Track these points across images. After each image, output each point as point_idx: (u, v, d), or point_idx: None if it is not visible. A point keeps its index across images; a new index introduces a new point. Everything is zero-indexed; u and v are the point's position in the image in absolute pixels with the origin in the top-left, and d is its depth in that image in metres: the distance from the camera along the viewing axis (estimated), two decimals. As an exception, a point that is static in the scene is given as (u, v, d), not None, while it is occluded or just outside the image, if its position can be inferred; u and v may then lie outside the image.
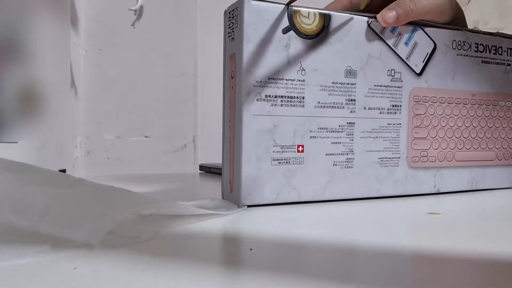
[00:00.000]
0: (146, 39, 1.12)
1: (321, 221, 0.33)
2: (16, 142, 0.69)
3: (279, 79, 0.37)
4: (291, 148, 0.38)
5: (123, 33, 1.11)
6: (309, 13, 0.38)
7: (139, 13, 1.11)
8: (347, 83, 0.39)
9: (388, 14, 0.40)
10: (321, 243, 0.27)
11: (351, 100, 0.40)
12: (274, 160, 0.37)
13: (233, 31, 0.37)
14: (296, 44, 0.37)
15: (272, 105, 0.37)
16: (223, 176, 0.39)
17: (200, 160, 1.15)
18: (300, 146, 0.38)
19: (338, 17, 0.39)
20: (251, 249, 0.25)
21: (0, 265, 0.21)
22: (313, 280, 0.20)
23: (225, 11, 0.38)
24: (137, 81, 1.12)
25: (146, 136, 1.14)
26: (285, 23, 0.37)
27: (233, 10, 0.37)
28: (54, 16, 0.88)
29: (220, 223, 0.32)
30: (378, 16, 0.40)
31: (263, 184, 0.37)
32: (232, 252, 0.25)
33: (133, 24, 1.12)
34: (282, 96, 0.37)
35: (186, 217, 0.32)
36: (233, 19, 0.37)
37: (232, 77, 0.37)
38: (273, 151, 0.37)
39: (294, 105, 0.37)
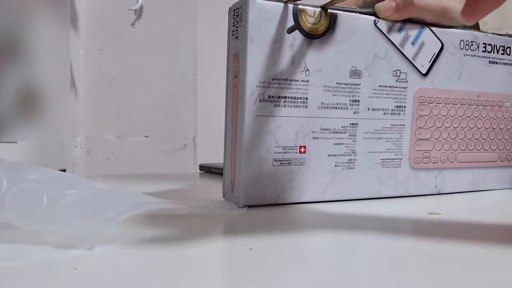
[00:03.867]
0: (146, 39, 1.12)
1: (322, 221, 0.33)
2: (16, 142, 0.69)
3: (283, 79, 0.36)
4: (293, 149, 0.37)
5: (123, 33, 1.11)
6: (314, 12, 0.37)
7: (139, 13, 1.11)
8: (351, 84, 0.39)
9: (386, 5, 0.40)
10: (321, 243, 0.27)
11: (355, 101, 0.39)
12: (275, 161, 0.37)
13: (237, 29, 0.36)
14: (301, 44, 0.37)
15: (275, 106, 0.36)
16: (225, 175, 0.39)
17: (200, 160, 1.15)
18: (302, 147, 0.38)
19: (344, 16, 0.38)
20: (251, 249, 0.25)
21: (0, 265, 0.21)
22: (313, 280, 0.20)
23: (230, 9, 0.38)
24: (137, 81, 1.12)
25: (146, 136, 1.14)
26: (290, 22, 0.36)
27: (238, 8, 0.36)
28: (54, 16, 0.87)
29: (220, 223, 0.32)
30: (376, 6, 0.40)
31: (264, 185, 0.37)
32: (232, 252, 0.25)
33: (132, 24, 1.12)
34: (285, 97, 0.37)
35: (186, 217, 0.32)
36: (238, 18, 0.36)
37: (235, 77, 0.37)
38: (275, 152, 0.37)
39: (297, 106, 0.37)
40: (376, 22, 0.40)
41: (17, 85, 0.71)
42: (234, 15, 0.37)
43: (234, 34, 0.37)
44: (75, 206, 0.26)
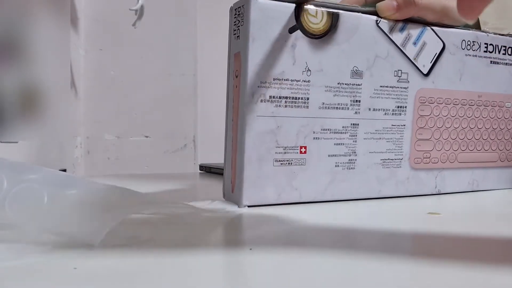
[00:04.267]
0: (146, 39, 1.12)
1: (322, 221, 0.33)
2: (16, 142, 0.69)
3: (284, 79, 0.36)
4: (293, 149, 0.37)
5: (123, 33, 1.11)
6: (316, 12, 0.37)
7: (139, 13, 1.11)
8: (352, 84, 0.39)
9: (387, 4, 0.40)
10: (321, 243, 0.26)
11: (356, 101, 0.39)
12: (276, 161, 0.37)
13: (238, 29, 0.36)
14: (303, 44, 0.37)
15: (276, 106, 0.36)
16: (225, 175, 0.39)
17: (200, 160, 1.15)
18: (303, 147, 0.38)
19: (346, 16, 0.38)
20: (251, 249, 0.25)
21: (0, 265, 0.21)
22: (313, 280, 0.20)
23: (231, 8, 0.38)
24: (137, 81, 1.12)
25: (146, 136, 1.14)
26: (292, 22, 0.36)
27: (239, 7, 0.36)
28: (54, 16, 0.87)
29: (220, 223, 0.32)
30: (377, 5, 0.40)
31: (265, 185, 0.37)
32: (232, 252, 0.25)
33: (133, 24, 1.12)
34: (286, 97, 0.37)
35: (186, 218, 0.32)
36: (239, 17, 0.36)
37: (236, 76, 0.37)
38: (276, 152, 0.37)
39: (298, 106, 0.37)
40: (378, 22, 0.40)
41: (17, 85, 0.71)
42: (235, 14, 0.37)
43: (235, 34, 0.37)
44: (75, 206, 0.26)
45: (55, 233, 0.25)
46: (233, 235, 0.29)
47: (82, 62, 1.10)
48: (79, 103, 1.09)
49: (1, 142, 0.65)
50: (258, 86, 0.36)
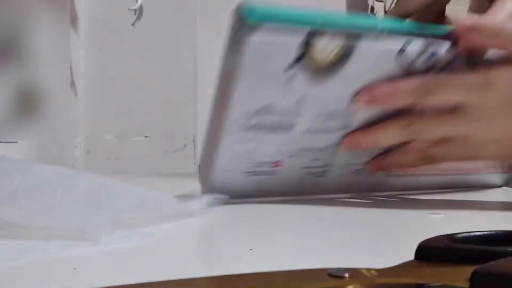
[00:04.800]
0: (146, 39, 1.12)
1: (322, 221, 0.33)
2: (16, 142, 0.69)
3: (273, 110, 0.32)
4: (267, 164, 0.35)
5: (123, 33, 1.11)
6: (329, 40, 0.31)
7: (139, 13, 1.11)
8: (347, 111, 0.34)
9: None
10: (320, 243, 0.27)
11: (346, 126, 0.35)
12: (247, 173, 0.35)
13: (232, 51, 0.31)
14: (301, 77, 0.31)
15: (257, 134, 0.33)
16: (201, 162, 0.38)
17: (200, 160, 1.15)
18: (279, 162, 0.35)
19: (362, 49, 0.31)
20: (251, 249, 0.25)
21: (0, 265, 0.21)
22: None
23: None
24: (137, 81, 1.12)
25: (146, 136, 1.14)
26: (294, 55, 0.30)
27: (234, 32, 0.30)
28: (54, 16, 0.88)
29: (220, 223, 0.32)
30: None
31: (233, 189, 0.35)
32: (232, 252, 0.25)
33: (133, 24, 1.12)
34: (271, 127, 0.33)
35: (186, 217, 0.32)
36: (235, 39, 0.30)
37: (223, 93, 0.33)
38: (248, 167, 0.35)
39: (282, 132, 0.34)
40: (401, 51, 0.33)
41: (17, 85, 0.71)
42: (231, 36, 0.31)
43: (231, 48, 0.31)
44: (76, 206, 0.26)
45: (56, 233, 0.25)
46: (233, 235, 0.29)
47: (82, 62, 1.10)
48: (79, 103, 1.09)
49: (1, 142, 0.65)
50: (242, 116, 0.32)
